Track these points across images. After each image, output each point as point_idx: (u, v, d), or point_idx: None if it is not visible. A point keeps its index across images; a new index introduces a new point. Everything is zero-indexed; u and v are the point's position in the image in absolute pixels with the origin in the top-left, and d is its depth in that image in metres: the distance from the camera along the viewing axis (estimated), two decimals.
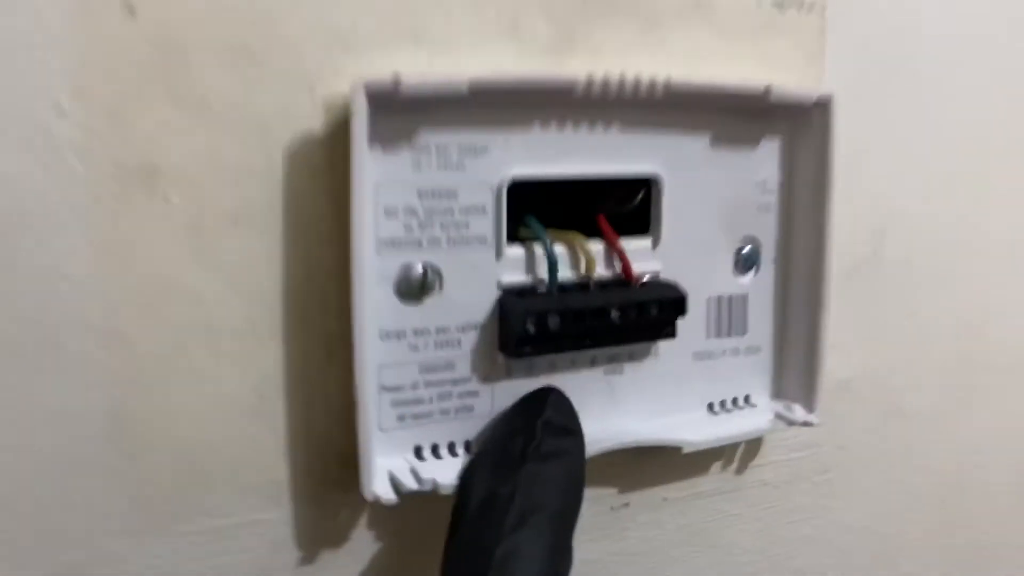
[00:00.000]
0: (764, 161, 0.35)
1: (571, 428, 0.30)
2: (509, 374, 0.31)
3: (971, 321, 0.43)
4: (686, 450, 0.34)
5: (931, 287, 0.42)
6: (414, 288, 0.29)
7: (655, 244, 0.33)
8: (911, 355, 0.42)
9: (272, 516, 0.29)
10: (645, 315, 0.32)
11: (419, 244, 0.29)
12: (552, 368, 0.32)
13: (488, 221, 0.30)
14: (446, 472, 0.29)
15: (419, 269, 0.29)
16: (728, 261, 0.35)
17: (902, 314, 0.41)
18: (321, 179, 0.28)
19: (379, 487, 0.28)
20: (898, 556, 0.44)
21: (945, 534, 0.45)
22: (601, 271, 0.32)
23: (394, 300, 0.29)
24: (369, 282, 0.28)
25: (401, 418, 0.30)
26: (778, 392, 0.37)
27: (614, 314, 0.31)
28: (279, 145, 0.27)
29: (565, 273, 0.31)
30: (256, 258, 0.28)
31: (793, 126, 0.35)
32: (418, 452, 0.30)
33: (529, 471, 0.27)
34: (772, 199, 0.35)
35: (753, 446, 0.38)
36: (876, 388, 0.41)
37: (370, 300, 0.28)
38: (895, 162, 0.39)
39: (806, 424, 0.36)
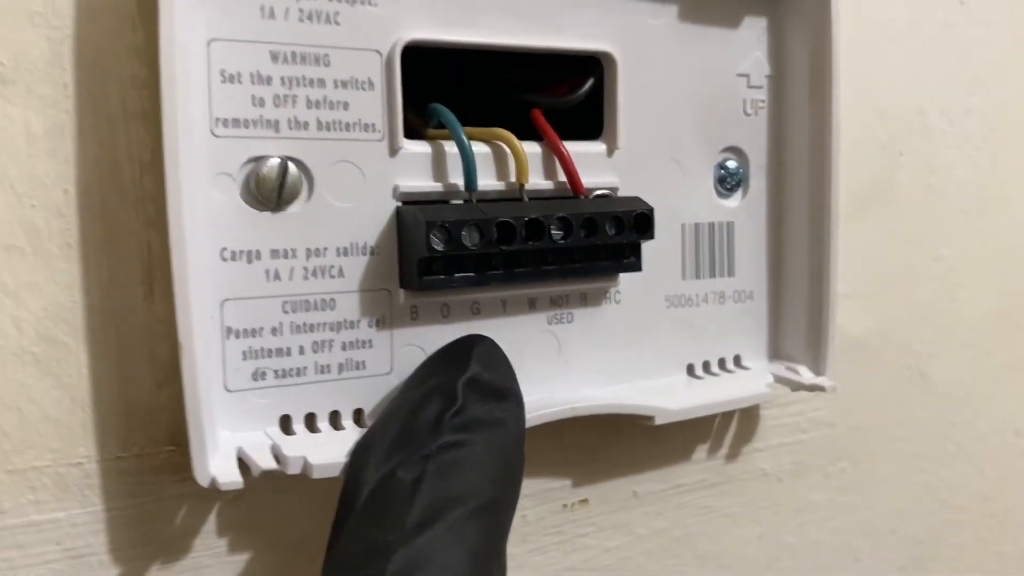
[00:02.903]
0: (747, 46, 0.28)
1: (505, 389, 0.22)
2: (414, 318, 0.23)
3: (1012, 264, 0.37)
4: (659, 420, 0.25)
5: (962, 219, 0.35)
6: (270, 190, 0.21)
7: (610, 151, 0.25)
8: (939, 308, 0.35)
9: (68, 514, 0.21)
10: (597, 236, 0.24)
11: (274, 127, 0.21)
12: (476, 313, 0.24)
13: (375, 101, 0.22)
14: (325, 449, 0.21)
15: (275, 163, 0.21)
16: (707, 177, 0.28)
17: (926, 256, 0.34)
18: (131, 30, 0.20)
19: (217, 468, 0.20)
20: (932, 566, 0.37)
21: (989, 539, 0.39)
22: (538, 182, 0.24)
23: (241, 206, 0.21)
24: (199, 176, 0.20)
25: (259, 375, 0.21)
26: (777, 350, 0.29)
27: (555, 232, 0.23)
28: None
29: (489, 182, 0.23)
30: (35, 137, 0.19)
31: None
32: (285, 424, 0.22)
33: (444, 448, 0.20)
34: (760, 97, 0.28)
35: (748, 425, 0.31)
36: (897, 350, 0.35)
37: (202, 204, 0.20)
38: (916, 51, 0.33)
39: (815, 388, 0.28)
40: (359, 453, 0.21)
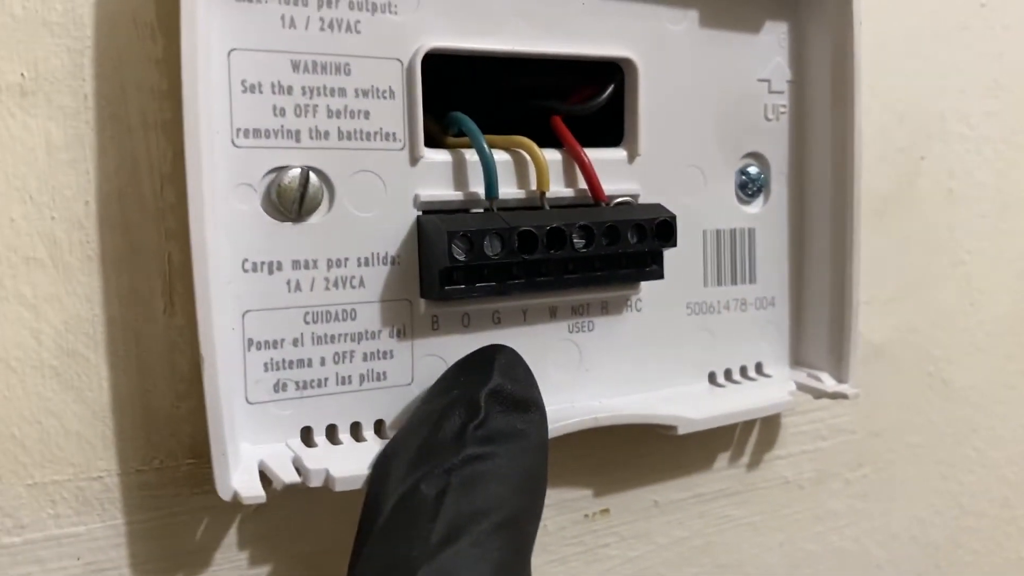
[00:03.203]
0: (769, 51, 0.27)
1: (528, 400, 0.22)
2: (435, 328, 0.23)
3: None
4: (681, 430, 0.25)
5: (982, 223, 0.35)
6: (291, 201, 0.21)
7: (630, 158, 0.25)
8: (959, 312, 0.35)
9: (88, 528, 0.20)
10: (619, 244, 0.23)
11: (295, 137, 0.21)
12: (496, 322, 0.24)
13: (396, 110, 0.22)
14: (346, 462, 0.21)
15: (296, 174, 0.21)
16: (728, 184, 0.27)
17: (946, 261, 0.33)
18: (151, 40, 0.20)
19: (240, 481, 0.20)
20: (952, 573, 0.37)
21: (1009, 545, 0.39)
22: (559, 189, 0.24)
23: (263, 217, 0.21)
24: (219, 188, 0.20)
25: (280, 387, 0.21)
26: (798, 358, 0.29)
27: (577, 240, 0.23)
28: None
29: (509, 190, 0.23)
30: (55, 149, 0.19)
31: (804, 4, 0.27)
32: (307, 436, 0.22)
33: (468, 461, 0.20)
34: (781, 102, 0.28)
35: (769, 433, 0.31)
36: (917, 355, 0.34)
37: (223, 215, 0.20)
38: (936, 54, 0.33)
39: (838, 396, 0.27)
40: (381, 465, 0.21)
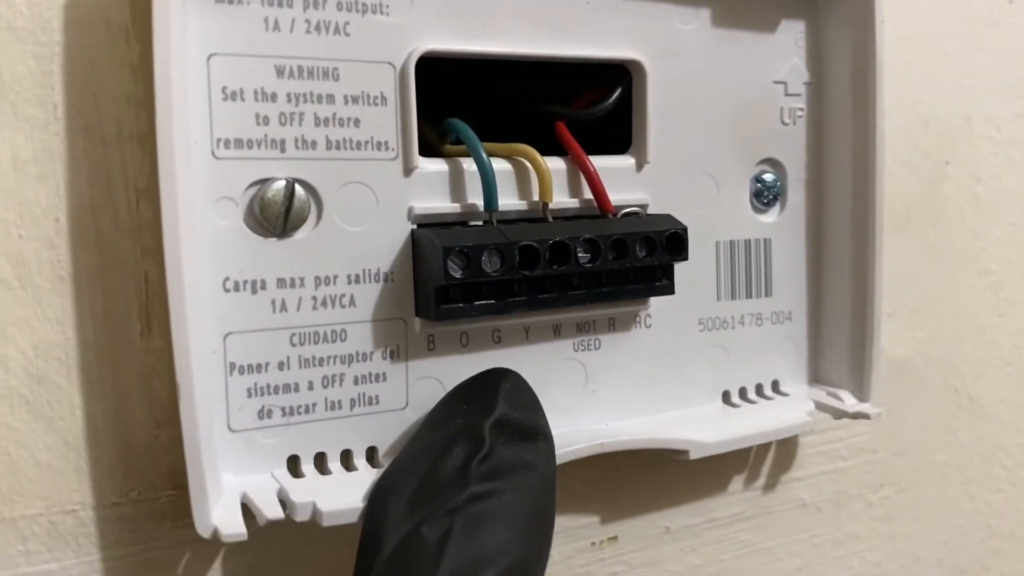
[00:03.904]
0: (785, 52, 0.26)
1: (535, 428, 0.20)
2: (431, 348, 0.22)
3: None
4: (694, 455, 0.24)
5: (1009, 230, 0.33)
6: (275, 215, 0.19)
7: (639, 166, 0.24)
8: (986, 325, 0.33)
9: (62, 565, 0.19)
10: (627, 258, 0.22)
11: (279, 147, 0.19)
12: (497, 341, 0.22)
13: (388, 117, 0.20)
14: (335, 494, 0.20)
15: (281, 186, 0.19)
16: (742, 192, 0.26)
17: (973, 270, 0.32)
18: (125, 44, 0.19)
19: (220, 517, 0.18)
20: None
21: None
22: (563, 200, 0.23)
23: (245, 232, 0.19)
24: (198, 202, 0.18)
25: (264, 413, 0.20)
26: (817, 375, 0.28)
27: (582, 255, 0.21)
28: None
29: (510, 201, 0.22)
30: (23, 163, 0.18)
31: (823, 2, 0.26)
32: (294, 465, 0.20)
33: (472, 500, 0.18)
34: (798, 105, 0.26)
35: (786, 454, 0.29)
36: (942, 370, 0.33)
37: (202, 231, 0.19)
38: (962, 52, 0.31)
39: (860, 416, 0.26)
40: (378, 499, 0.19)
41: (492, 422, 0.19)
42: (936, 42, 0.31)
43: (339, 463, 0.21)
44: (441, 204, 0.21)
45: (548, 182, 0.22)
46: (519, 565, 0.18)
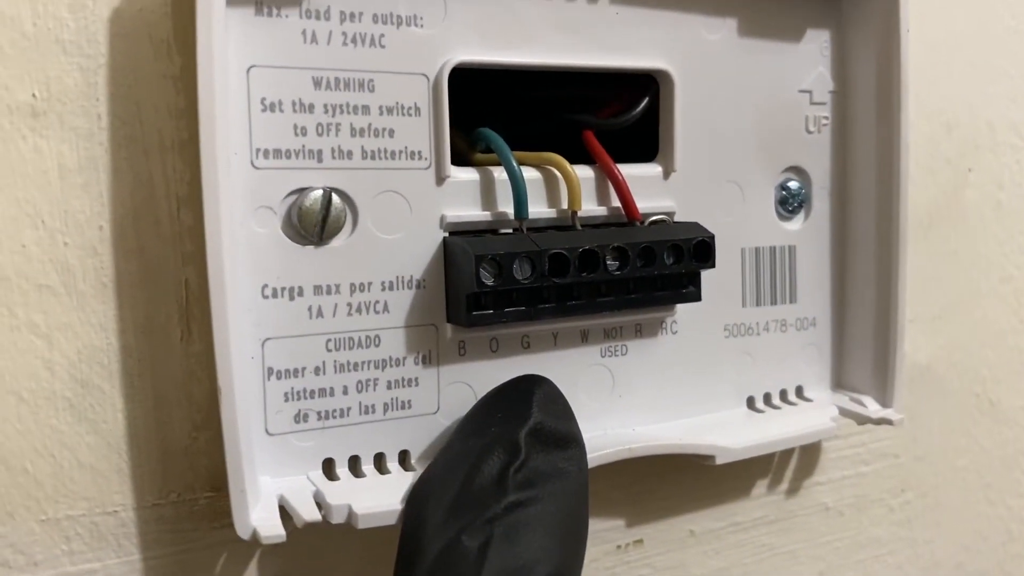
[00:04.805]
0: (810, 61, 0.26)
1: (568, 435, 0.21)
2: (462, 354, 0.22)
3: None
4: (720, 460, 0.24)
5: None
6: (312, 223, 0.20)
7: (666, 174, 0.24)
8: (1008, 330, 0.34)
9: (104, 564, 0.20)
10: (655, 266, 0.22)
11: (317, 157, 0.20)
12: (526, 347, 0.23)
13: (422, 127, 0.21)
14: (370, 496, 0.20)
15: (318, 195, 0.20)
16: (768, 199, 0.26)
17: (995, 276, 0.32)
18: (167, 57, 0.19)
19: (259, 519, 0.19)
20: None
21: None
22: (591, 208, 0.23)
23: (283, 240, 0.20)
24: (238, 211, 0.19)
25: (301, 417, 0.20)
26: (840, 381, 0.28)
27: (610, 262, 0.22)
28: (102, 5, 0.19)
29: (539, 209, 0.22)
30: (68, 172, 0.18)
31: (848, 11, 0.26)
32: (328, 468, 0.21)
33: (510, 508, 0.19)
34: (823, 114, 0.26)
35: (808, 458, 0.29)
36: (964, 375, 0.33)
37: (242, 239, 0.19)
38: (984, 60, 0.31)
39: (883, 422, 0.26)
40: (417, 504, 0.20)
41: (527, 430, 0.20)
42: (960, 50, 0.31)
43: (372, 466, 0.21)
44: (472, 212, 0.22)
45: (577, 190, 0.22)
46: (557, 572, 0.18)
